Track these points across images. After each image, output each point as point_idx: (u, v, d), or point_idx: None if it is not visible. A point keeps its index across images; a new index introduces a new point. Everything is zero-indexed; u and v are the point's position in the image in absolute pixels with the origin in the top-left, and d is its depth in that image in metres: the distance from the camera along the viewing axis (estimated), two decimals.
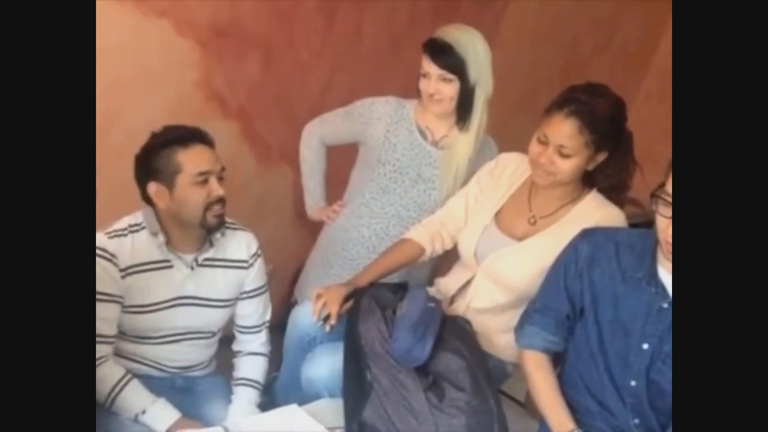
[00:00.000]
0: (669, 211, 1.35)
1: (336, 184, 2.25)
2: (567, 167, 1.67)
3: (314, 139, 2.18)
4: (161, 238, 1.66)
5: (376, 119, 2.03)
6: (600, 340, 1.53)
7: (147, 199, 1.67)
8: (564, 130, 1.64)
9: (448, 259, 2.02)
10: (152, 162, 1.62)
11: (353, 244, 2.11)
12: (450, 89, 1.94)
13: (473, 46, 1.93)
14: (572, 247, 1.59)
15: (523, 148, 1.92)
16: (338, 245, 2.14)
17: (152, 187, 1.63)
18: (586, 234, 1.59)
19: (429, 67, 1.93)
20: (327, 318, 1.72)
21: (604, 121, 1.65)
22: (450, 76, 1.92)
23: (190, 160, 1.60)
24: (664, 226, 1.38)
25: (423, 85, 1.96)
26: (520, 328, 1.65)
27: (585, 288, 1.55)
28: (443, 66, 1.91)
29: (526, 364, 1.62)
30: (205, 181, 1.62)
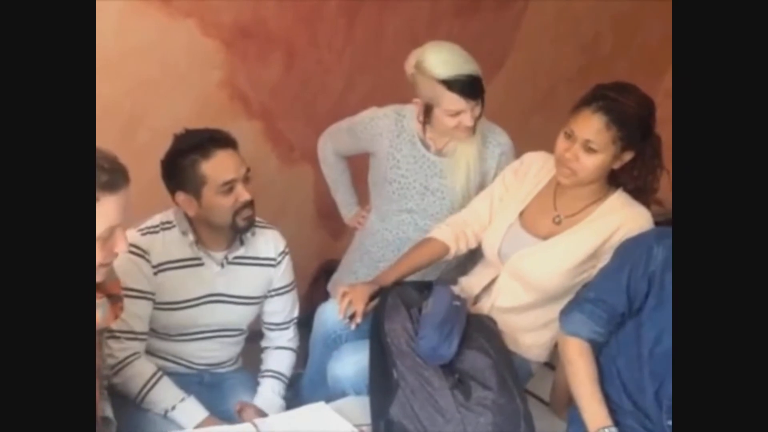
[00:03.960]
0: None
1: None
2: (592, 164, 1.66)
3: (330, 155, 2.19)
4: (191, 237, 1.68)
5: (378, 135, 2.02)
6: (655, 343, 1.50)
7: (172, 196, 1.68)
8: (592, 125, 1.63)
9: (472, 259, 2.03)
10: (177, 172, 1.63)
11: (378, 247, 2.13)
12: (479, 110, 1.90)
13: (474, 60, 1.89)
14: (643, 247, 1.54)
15: (543, 146, 1.92)
16: (366, 246, 2.17)
17: (180, 197, 1.64)
18: (661, 236, 1.54)
19: (463, 105, 1.85)
20: (353, 316, 1.73)
21: (633, 118, 1.63)
22: (479, 101, 1.88)
23: (214, 170, 1.60)
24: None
25: (454, 121, 1.87)
26: (568, 314, 1.62)
27: (653, 292, 1.51)
28: (476, 99, 1.86)
29: (568, 351, 1.59)
30: (231, 189, 1.62)
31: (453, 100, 1.85)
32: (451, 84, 1.83)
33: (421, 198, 2.03)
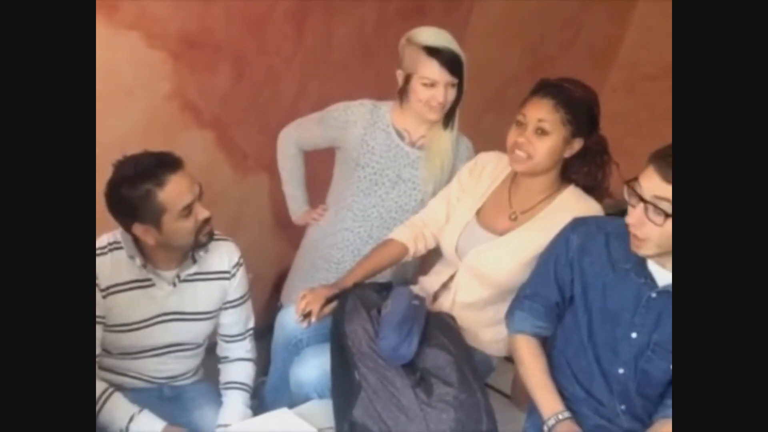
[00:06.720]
0: (637, 203, 1.39)
1: (314, 187, 2.27)
2: (544, 147, 1.71)
3: (291, 146, 2.18)
4: (138, 261, 1.64)
5: (352, 123, 2.03)
6: (590, 328, 1.56)
7: (127, 228, 1.61)
8: (541, 107, 1.70)
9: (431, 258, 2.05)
10: (128, 204, 1.53)
11: (338, 248, 2.12)
12: (453, 93, 1.93)
13: (459, 47, 1.94)
14: (563, 237, 1.62)
15: (495, 146, 1.96)
16: (323, 249, 2.15)
17: (138, 229, 1.57)
18: (577, 224, 1.62)
19: (438, 75, 1.88)
20: (308, 315, 1.73)
21: (579, 101, 1.71)
22: (455, 81, 1.91)
23: (172, 197, 1.54)
24: (632, 218, 1.42)
25: (427, 94, 1.90)
26: (510, 314, 1.68)
27: (576, 277, 1.58)
28: (453, 73, 1.90)
29: (517, 348, 1.65)
30: (191, 211, 1.58)
31: (430, 67, 1.88)
32: (431, 51, 1.89)
33: (392, 186, 2.04)
